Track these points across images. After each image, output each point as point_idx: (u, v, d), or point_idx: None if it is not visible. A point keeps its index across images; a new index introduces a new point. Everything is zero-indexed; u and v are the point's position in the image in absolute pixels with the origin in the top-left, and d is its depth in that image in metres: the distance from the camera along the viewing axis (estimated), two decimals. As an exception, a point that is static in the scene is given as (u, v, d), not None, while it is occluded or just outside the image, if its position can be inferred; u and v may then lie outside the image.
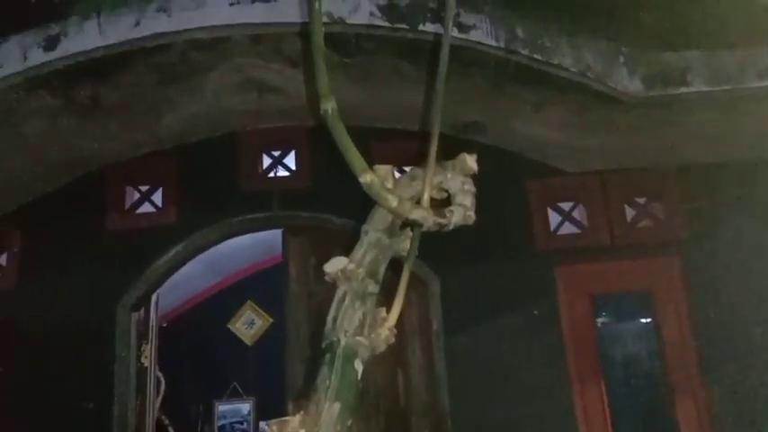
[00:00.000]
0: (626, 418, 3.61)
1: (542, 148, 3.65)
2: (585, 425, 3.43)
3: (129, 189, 3.89)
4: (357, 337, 1.15)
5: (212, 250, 4.32)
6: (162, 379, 6.15)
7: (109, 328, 3.65)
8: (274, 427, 1.04)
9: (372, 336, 1.17)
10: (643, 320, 3.84)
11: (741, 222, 3.65)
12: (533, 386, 3.49)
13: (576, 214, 3.76)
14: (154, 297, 4.13)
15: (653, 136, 3.41)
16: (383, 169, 1.22)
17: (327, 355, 1.13)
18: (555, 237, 3.72)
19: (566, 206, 3.77)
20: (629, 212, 3.71)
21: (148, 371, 4.03)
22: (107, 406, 3.56)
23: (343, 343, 1.13)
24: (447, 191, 1.29)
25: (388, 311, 1.21)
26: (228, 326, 7.35)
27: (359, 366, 1.13)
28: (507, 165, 3.73)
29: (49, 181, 3.79)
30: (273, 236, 4.13)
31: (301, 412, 1.07)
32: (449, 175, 1.27)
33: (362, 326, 1.16)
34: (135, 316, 3.79)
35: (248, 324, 7.34)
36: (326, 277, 1.21)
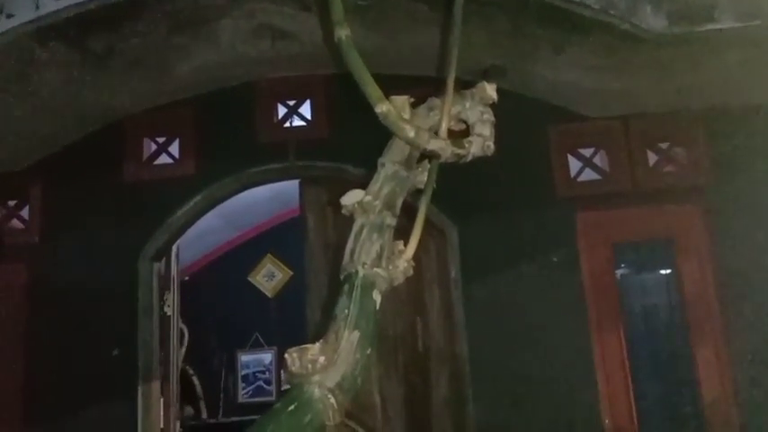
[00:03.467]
0: (645, 366, 3.61)
1: (563, 93, 3.57)
2: (604, 372, 3.44)
3: (146, 141, 3.90)
4: (375, 269, 1.14)
5: (232, 204, 4.34)
6: (185, 331, 6.29)
7: (131, 278, 3.71)
8: (294, 354, 1.04)
9: (390, 267, 1.16)
10: (664, 271, 3.80)
11: (766, 168, 3.56)
12: (552, 333, 3.49)
13: (597, 160, 3.69)
14: (174, 248, 4.17)
15: (677, 78, 3.31)
16: (400, 99, 1.19)
17: (346, 286, 1.13)
18: (575, 183, 3.67)
19: (587, 152, 3.70)
20: (652, 158, 3.64)
21: (171, 320, 4.10)
22: (132, 355, 3.63)
23: (361, 274, 1.13)
24: (465, 121, 1.26)
25: (405, 245, 1.20)
26: (249, 278, 7.45)
27: (377, 297, 1.13)
28: (527, 110, 3.66)
29: (67, 134, 3.80)
30: (292, 189, 4.13)
31: (321, 340, 1.07)
32: (467, 105, 1.24)
33: (380, 258, 1.15)
34: (156, 266, 3.84)
35: (269, 277, 7.43)
36: (343, 210, 1.19)
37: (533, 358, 3.47)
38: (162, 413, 3.85)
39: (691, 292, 3.47)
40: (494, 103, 1.24)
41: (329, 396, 1.03)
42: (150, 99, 3.78)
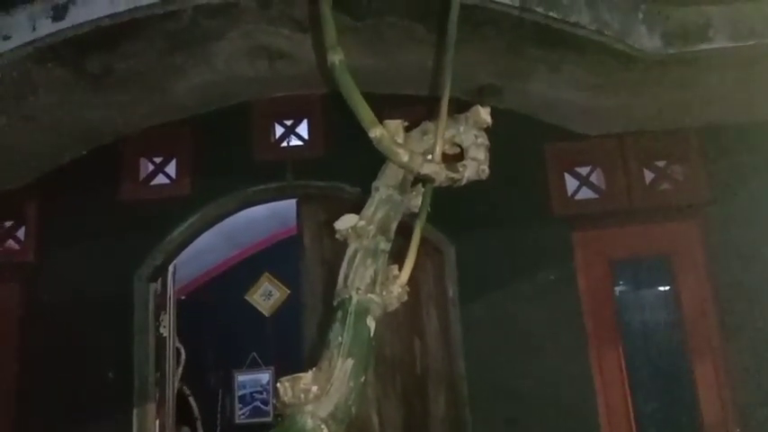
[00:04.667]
0: (644, 384, 3.58)
1: (559, 112, 3.57)
2: (603, 390, 3.41)
3: (142, 161, 3.89)
4: (369, 295, 1.13)
5: (229, 223, 4.33)
6: (182, 350, 6.25)
7: (127, 298, 3.67)
8: (286, 384, 1.02)
9: (384, 293, 1.15)
10: (662, 288, 3.79)
11: (763, 185, 3.56)
12: (550, 352, 3.47)
13: (593, 179, 3.69)
14: (171, 268, 4.15)
15: (673, 97, 3.33)
16: (393, 124, 1.19)
17: (339, 313, 1.12)
18: (572, 202, 3.66)
19: (583, 170, 3.71)
20: (648, 176, 3.64)
21: (167, 340, 4.07)
22: (127, 375, 3.60)
23: (354, 300, 1.12)
24: (459, 145, 1.25)
25: (400, 270, 1.19)
26: (246, 297, 7.41)
27: (371, 323, 1.11)
28: (524, 129, 3.67)
29: (63, 154, 3.80)
30: (289, 207, 4.12)
31: (313, 369, 1.05)
32: (461, 129, 1.24)
33: (374, 283, 1.14)
34: (152, 286, 3.81)
35: (266, 296, 7.39)
36: (337, 235, 1.18)
37: (532, 377, 3.44)
38: (158, 435, 3.81)
39: (689, 309, 3.46)
40: (488, 126, 1.24)
41: (322, 426, 1.01)
42: (147, 119, 3.78)
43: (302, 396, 1.02)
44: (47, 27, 2.81)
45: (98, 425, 3.53)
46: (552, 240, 3.61)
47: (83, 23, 2.84)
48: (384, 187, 1.21)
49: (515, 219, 3.65)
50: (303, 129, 3.89)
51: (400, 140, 1.19)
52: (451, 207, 3.57)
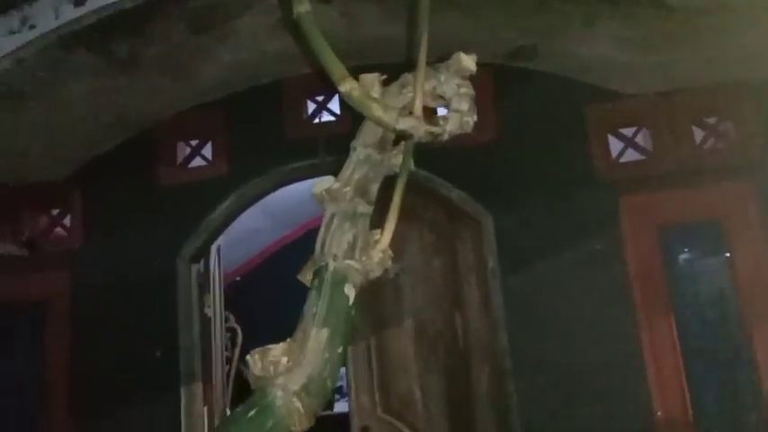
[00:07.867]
0: (699, 355, 3.37)
1: (598, 70, 3.37)
2: (654, 362, 3.24)
3: (180, 144, 3.93)
4: (347, 261, 1.06)
5: (280, 203, 4.31)
6: (239, 331, 6.35)
7: (170, 280, 3.74)
8: (255, 356, 0.98)
9: (364, 259, 1.08)
10: (715, 254, 3.55)
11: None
12: (597, 325, 3.32)
13: (639, 139, 3.49)
14: (213, 248, 4.19)
15: (719, 50, 3.07)
16: (369, 77, 1.11)
17: (315, 281, 1.06)
18: (617, 165, 3.48)
19: (628, 132, 3.50)
20: (698, 134, 3.40)
21: (213, 321, 4.12)
22: (174, 357, 3.67)
23: (331, 267, 1.05)
24: (442, 96, 1.16)
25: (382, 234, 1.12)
26: (298, 277, 7.47)
27: (350, 291, 1.05)
28: (562, 91, 3.50)
29: (103, 142, 3.88)
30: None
31: (288, 340, 1.00)
32: (442, 78, 1.14)
33: (353, 249, 1.07)
34: (195, 267, 3.87)
35: (317, 275, 7.42)
36: (315, 199, 1.12)
37: (577, 350, 3.31)
38: (206, 415, 3.87)
39: (744, 275, 3.23)
40: (472, 74, 1.14)
41: (294, 400, 0.95)
42: (181, 102, 3.80)
43: (271, 368, 0.97)
44: (70, 13, 2.83)
45: (147, 405, 3.62)
46: (597, 207, 3.44)
47: (105, 6, 2.84)
48: (362, 146, 1.13)
49: (556, 185, 3.49)
50: (335, 104, 3.83)
51: (376, 95, 1.11)
52: (488, 176, 3.46)
